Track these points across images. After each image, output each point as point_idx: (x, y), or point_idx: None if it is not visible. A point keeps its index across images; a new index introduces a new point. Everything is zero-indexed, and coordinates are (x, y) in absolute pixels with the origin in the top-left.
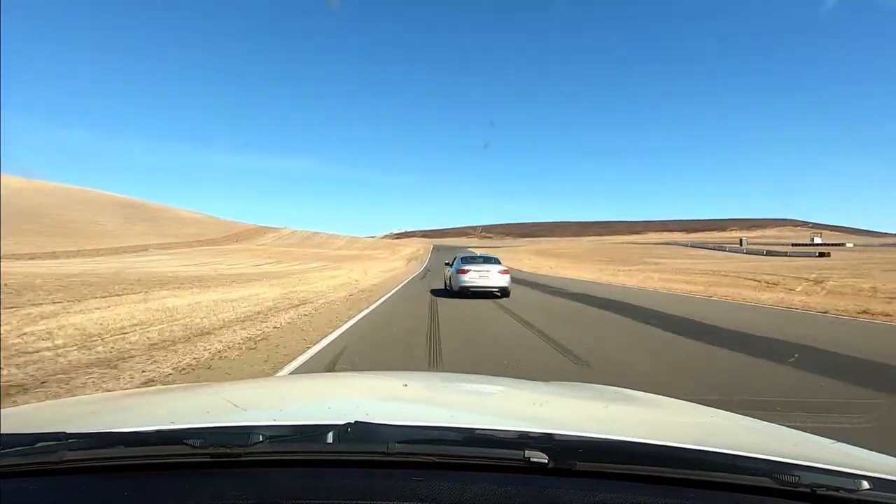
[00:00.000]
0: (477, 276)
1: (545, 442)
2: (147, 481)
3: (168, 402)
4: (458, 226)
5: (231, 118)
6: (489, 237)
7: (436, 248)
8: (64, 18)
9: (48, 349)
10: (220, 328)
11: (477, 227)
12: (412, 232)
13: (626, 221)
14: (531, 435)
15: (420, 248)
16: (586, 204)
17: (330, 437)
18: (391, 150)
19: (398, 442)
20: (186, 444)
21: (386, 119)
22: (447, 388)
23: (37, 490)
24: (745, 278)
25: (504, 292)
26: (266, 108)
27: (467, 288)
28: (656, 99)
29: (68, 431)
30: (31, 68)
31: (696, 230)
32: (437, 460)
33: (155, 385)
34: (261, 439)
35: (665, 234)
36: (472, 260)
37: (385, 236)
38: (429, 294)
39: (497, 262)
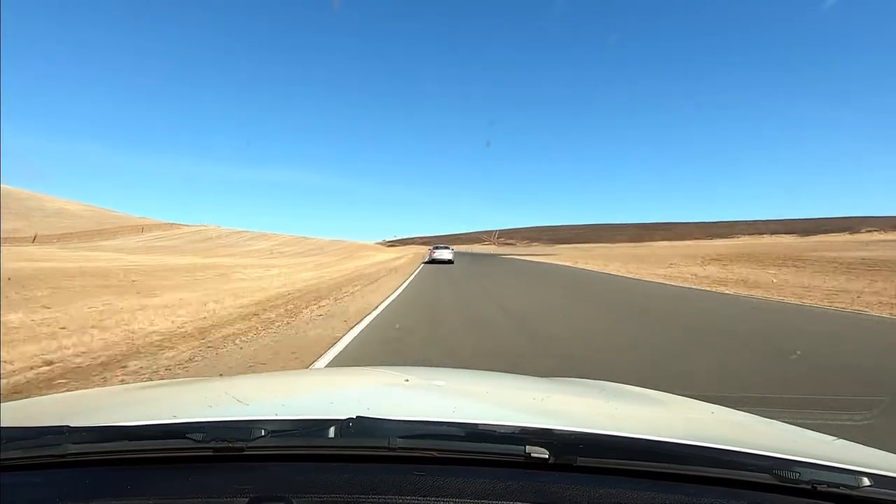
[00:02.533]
0: (437, 254)
1: (546, 437)
2: (150, 475)
3: (171, 397)
4: (470, 231)
5: (232, 128)
6: (510, 243)
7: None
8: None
9: None
10: None
11: (493, 231)
12: (410, 239)
13: (700, 223)
14: (532, 430)
15: (407, 256)
16: (618, 207)
17: (332, 432)
18: (394, 158)
19: (399, 437)
20: (189, 438)
21: (387, 126)
22: (448, 383)
23: (40, 483)
24: None
25: (450, 261)
26: (269, 119)
27: (434, 259)
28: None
29: (71, 425)
30: None
31: (809, 232)
32: (438, 455)
33: None
34: (263, 433)
35: (765, 237)
36: (437, 248)
37: (379, 243)
38: None
39: (447, 247)
